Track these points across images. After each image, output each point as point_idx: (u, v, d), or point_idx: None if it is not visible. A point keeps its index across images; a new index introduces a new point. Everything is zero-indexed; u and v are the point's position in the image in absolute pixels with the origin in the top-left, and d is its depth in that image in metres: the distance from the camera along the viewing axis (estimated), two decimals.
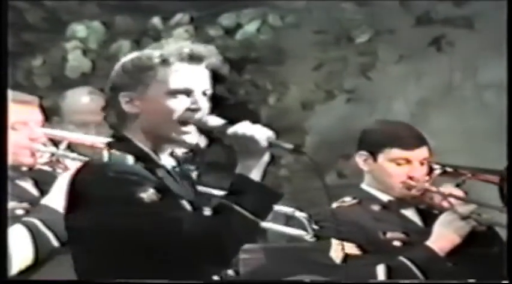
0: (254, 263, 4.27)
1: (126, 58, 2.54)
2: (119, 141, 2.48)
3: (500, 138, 3.70)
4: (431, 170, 3.45)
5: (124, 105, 2.48)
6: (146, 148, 2.46)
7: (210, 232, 2.31)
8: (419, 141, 3.44)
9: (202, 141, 2.47)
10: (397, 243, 3.34)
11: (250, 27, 5.68)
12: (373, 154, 3.43)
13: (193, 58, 2.49)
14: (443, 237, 3.30)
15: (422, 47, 5.66)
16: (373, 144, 3.44)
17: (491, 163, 3.53)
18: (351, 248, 3.29)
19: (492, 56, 5.30)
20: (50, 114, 3.77)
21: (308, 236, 3.18)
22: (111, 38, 5.66)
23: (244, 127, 2.45)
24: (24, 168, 3.12)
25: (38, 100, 3.16)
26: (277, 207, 2.64)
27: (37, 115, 3.12)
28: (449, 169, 3.46)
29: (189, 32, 5.59)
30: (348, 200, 3.44)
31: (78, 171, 2.48)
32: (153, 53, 2.50)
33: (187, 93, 2.47)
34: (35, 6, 5.75)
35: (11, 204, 3.01)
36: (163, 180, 2.40)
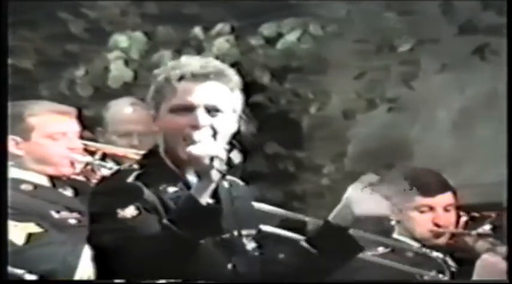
0: None
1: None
2: (148, 155, 2.54)
3: None
4: (459, 216, 3.41)
5: (151, 121, 2.54)
6: (170, 164, 2.50)
7: (148, 252, 2.36)
8: (441, 187, 3.41)
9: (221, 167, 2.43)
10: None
11: (291, 37, 5.67)
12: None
13: (197, 76, 2.49)
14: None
15: (466, 56, 5.61)
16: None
17: None
18: None
19: None
20: (93, 125, 3.79)
21: (446, 278, 3.17)
22: (152, 48, 5.70)
23: (197, 147, 2.44)
24: (63, 178, 3.14)
25: (75, 111, 3.19)
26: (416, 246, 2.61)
27: (75, 126, 3.16)
28: (475, 214, 3.42)
29: (230, 41, 5.60)
30: (381, 250, 3.41)
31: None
32: (159, 71, 2.54)
33: (189, 109, 2.48)
34: (79, 17, 5.81)
35: (63, 214, 3.03)
36: (154, 199, 2.43)
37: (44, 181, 3.11)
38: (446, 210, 3.40)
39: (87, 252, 2.98)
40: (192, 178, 2.50)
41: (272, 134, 5.74)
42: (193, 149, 2.42)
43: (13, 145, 3.08)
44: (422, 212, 3.38)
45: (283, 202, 5.87)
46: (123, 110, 3.73)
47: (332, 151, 5.82)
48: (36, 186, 3.08)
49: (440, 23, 5.61)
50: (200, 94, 2.48)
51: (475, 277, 3.28)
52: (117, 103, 3.80)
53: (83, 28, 5.81)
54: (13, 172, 3.09)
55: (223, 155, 2.40)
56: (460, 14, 5.60)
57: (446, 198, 3.41)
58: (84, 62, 5.77)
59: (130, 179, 2.45)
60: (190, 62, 2.51)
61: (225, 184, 2.54)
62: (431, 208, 3.38)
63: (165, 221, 2.38)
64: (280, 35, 5.69)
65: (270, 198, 5.77)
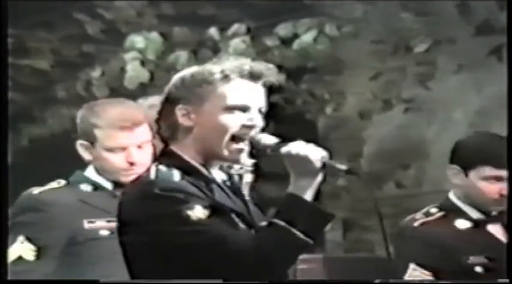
0: (312, 274, 4.25)
1: (186, 71, 2.55)
2: (168, 156, 2.48)
3: None
4: None
5: (180, 117, 2.49)
6: (196, 163, 2.46)
7: (259, 252, 2.32)
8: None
9: (247, 161, 2.45)
10: (478, 269, 3.19)
11: (307, 37, 5.67)
12: (465, 170, 3.32)
13: (253, 75, 2.50)
14: None
15: (483, 57, 5.59)
16: (465, 159, 3.25)
17: None
18: (426, 277, 3.13)
19: None
20: None
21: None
22: (169, 48, 5.71)
23: (298, 147, 2.45)
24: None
25: (144, 117, 3.12)
26: None
27: (139, 138, 3.09)
28: None
29: (245, 42, 5.61)
30: (434, 211, 3.25)
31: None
32: (214, 67, 2.51)
33: (244, 109, 2.48)
34: (95, 18, 5.83)
35: (97, 224, 3.01)
36: (212, 196, 2.40)
37: (108, 186, 3.11)
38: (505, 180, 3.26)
39: None
40: (216, 172, 2.48)
41: (288, 134, 5.73)
42: (296, 149, 2.44)
43: (83, 149, 3.10)
44: (491, 183, 3.28)
45: None
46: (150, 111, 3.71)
47: (348, 152, 5.81)
48: (97, 188, 3.08)
49: (456, 23, 5.60)
50: (255, 94, 2.50)
51: None
52: (146, 102, 3.78)
53: (99, 29, 5.83)
54: (88, 171, 3.12)
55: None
56: (477, 15, 5.58)
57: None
58: (100, 63, 5.79)
59: (177, 179, 2.39)
60: (245, 61, 2.53)
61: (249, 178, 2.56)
62: (498, 179, 3.28)
63: (276, 220, 2.34)
64: (296, 36, 5.69)
65: None
